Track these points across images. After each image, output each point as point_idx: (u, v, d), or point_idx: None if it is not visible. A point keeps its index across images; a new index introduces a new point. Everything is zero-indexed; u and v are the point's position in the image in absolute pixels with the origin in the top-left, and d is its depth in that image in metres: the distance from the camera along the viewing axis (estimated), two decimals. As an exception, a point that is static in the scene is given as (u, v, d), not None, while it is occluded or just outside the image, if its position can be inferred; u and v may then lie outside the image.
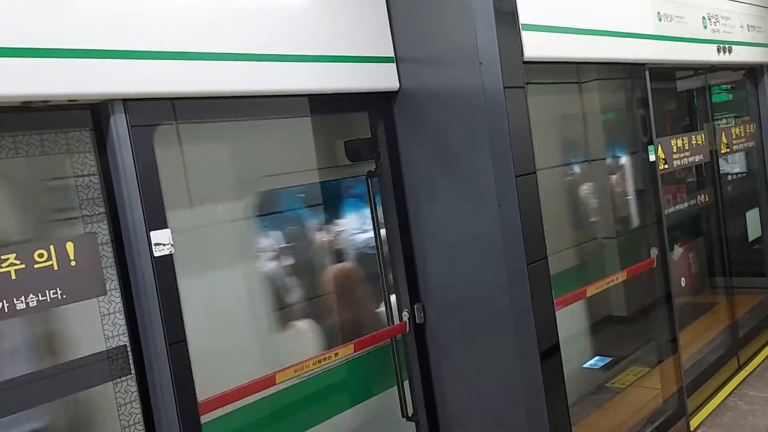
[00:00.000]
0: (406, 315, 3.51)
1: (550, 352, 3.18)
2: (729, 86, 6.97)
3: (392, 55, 3.42)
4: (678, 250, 5.96)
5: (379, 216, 3.64)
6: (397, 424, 3.64)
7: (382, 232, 3.63)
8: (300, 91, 3.06)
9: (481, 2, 3.06)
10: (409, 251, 3.51)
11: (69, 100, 2.37)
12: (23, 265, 2.27)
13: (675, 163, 4.70)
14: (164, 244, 2.54)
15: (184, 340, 2.58)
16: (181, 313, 2.57)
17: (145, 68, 2.48)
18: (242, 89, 2.81)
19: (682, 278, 5.71)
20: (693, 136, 4.97)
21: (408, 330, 3.51)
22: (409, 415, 3.65)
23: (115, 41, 2.40)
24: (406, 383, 3.64)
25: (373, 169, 3.62)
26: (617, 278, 4.06)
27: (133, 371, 2.57)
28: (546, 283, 3.21)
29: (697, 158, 5.04)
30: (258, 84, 2.86)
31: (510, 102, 3.08)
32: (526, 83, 3.22)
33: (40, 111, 2.37)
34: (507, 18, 3.14)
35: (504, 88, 3.06)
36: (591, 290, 3.82)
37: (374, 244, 3.65)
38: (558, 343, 3.23)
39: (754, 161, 6.31)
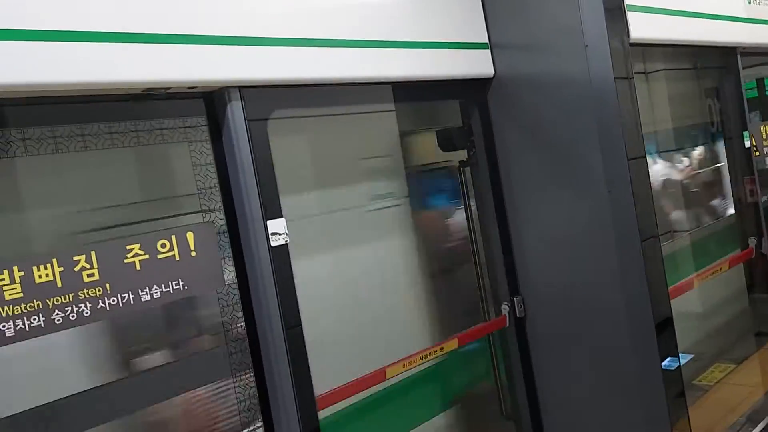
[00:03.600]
0: (505, 308, 3.40)
1: (668, 342, 3.05)
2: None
3: (486, 41, 3.33)
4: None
5: (471, 207, 3.55)
6: (495, 424, 3.54)
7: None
8: (400, 78, 2.99)
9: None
10: (507, 242, 3.41)
11: (189, 88, 2.33)
12: (147, 256, 2.22)
13: (766, 150, 4.53)
14: (280, 234, 2.49)
15: (301, 331, 2.51)
16: (297, 303, 2.51)
17: (262, 55, 2.43)
18: (348, 76, 2.75)
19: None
20: None
21: (508, 324, 3.41)
22: (508, 413, 3.54)
23: (232, 28, 2.35)
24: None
25: (465, 159, 3.54)
26: (720, 268, 3.90)
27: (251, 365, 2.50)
28: (660, 270, 3.08)
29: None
30: (363, 70, 2.80)
31: (619, 84, 2.97)
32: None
33: (155, 99, 2.33)
34: (612, -3, 3.03)
35: (613, 69, 2.95)
36: (697, 281, 3.67)
37: (468, 236, 3.56)
38: (674, 332, 3.10)
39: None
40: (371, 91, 2.99)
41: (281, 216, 2.49)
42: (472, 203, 3.55)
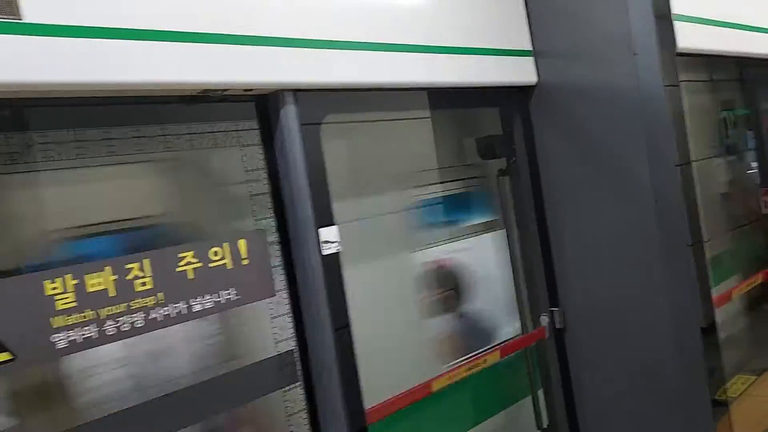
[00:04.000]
0: (544, 320, 3.33)
1: (714, 355, 2.99)
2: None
3: (530, 48, 3.27)
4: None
5: (509, 216, 3.48)
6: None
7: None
8: (446, 84, 2.92)
9: (637, -11, 2.91)
10: (548, 252, 3.34)
11: (244, 90, 2.25)
12: (200, 264, 2.14)
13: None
14: (332, 242, 2.41)
15: (352, 344, 2.43)
16: (347, 314, 2.43)
17: (316, 58, 2.36)
18: (398, 81, 2.69)
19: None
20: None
21: (547, 335, 3.33)
22: (545, 426, 3.46)
23: (289, 29, 2.28)
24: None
25: (504, 168, 3.47)
26: (756, 280, 3.85)
27: (300, 377, 2.41)
28: (706, 278, 3.02)
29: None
30: (414, 75, 2.73)
31: (668, 92, 2.92)
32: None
33: (206, 102, 2.25)
34: (661, 6, 2.98)
35: (662, 78, 2.90)
36: (736, 292, 3.62)
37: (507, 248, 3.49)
38: (719, 346, 3.04)
39: None
40: (418, 97, 2.91)
41: (333, 223, 2.41)
42: (510, 212, 3.47)
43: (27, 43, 1.71)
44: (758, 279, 3.90)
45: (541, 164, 3.34)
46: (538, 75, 3.27)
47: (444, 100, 3.07)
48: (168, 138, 2.18)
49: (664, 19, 2.98)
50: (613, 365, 3.24)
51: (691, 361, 2.96)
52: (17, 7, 1.70)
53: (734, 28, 3.57)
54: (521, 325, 3.47)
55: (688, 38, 3.11)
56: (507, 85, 3.21)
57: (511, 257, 3.48)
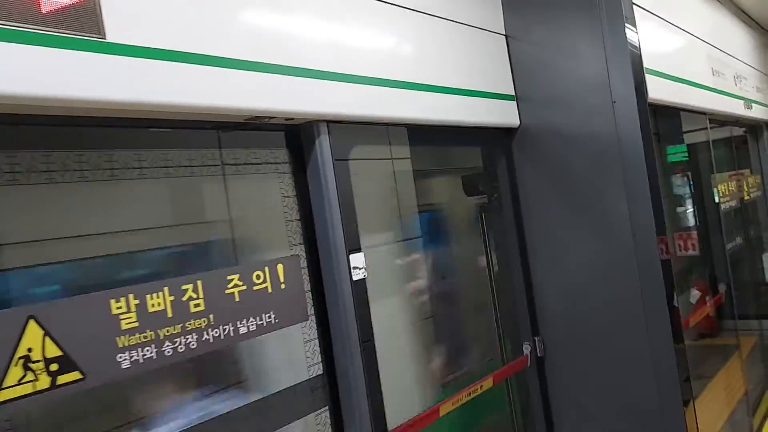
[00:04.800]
0: (527, 348, 3.50)
1: (685, 375, 3.25)
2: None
3: (513, 93, 3.51)
4: (695, 294, 6.20)
5: (490, 249, 3.67)
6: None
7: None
8: (444, 122, 3.08)
9: (614, 45, 3.21)
10: (529, 284, 3.54)
11: (286, 119, 2.33)
12: (245, 287, 2.17)
13: (722, 206, 4.96)
14: (360, 268, 2.49)
15: (377, 369, 2.50)
16: (373, 338, 2.50)
17: (347, 91, 2.46)
18: (412, 117, 2.83)
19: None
20: (730, 183, 5.27)
21: (529, 364, 3.50)
22: (523, 453, 3.61)
23: (327, 63, 2.38)
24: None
25: (484, 204, 3.66)
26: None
27: (329, 401, 2.45)
28: (675, 307, 3.29)
29: (734, 203, 5.33)
30: (424, 113, 2.88)
31: (645, 136, 3.21)
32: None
33: (239, 130, 2.31)
34: (636, 60, 3.30)
35: (639, 120, 3.19)
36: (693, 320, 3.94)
37: (487, 279, 3.66)
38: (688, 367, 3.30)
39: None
40: (421, 132, 3.07)
41: (360, 250, 2.50)
42: (491, 246, 3.65)
43: (108, 62, 1.73)
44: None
45: (522, 200, 3.56)
46: (520, 118, 3.51)
47: (435, 137, 3.24)
48: (217, 163, 2.22)
49: (638, 71, 3.29)
50: (591, 390, 3.44)
51: (665, 373, 3.19)
52: (102, 27, 1.73)
53: (680, 82, 3.97)
54: (501, 355, 3.63)
55: (655, 91, 3.44)
56: (494, 126, 3.42)
57: (491, 289, 3.65)
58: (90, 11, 1.67)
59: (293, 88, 2.25)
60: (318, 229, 2.45)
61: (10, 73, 1.53)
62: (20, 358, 1.60)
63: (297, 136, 2.46)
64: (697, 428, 3.41)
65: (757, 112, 6.02)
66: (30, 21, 1.57)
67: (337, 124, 2.47)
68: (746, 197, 5.95)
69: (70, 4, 1.63)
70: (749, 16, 6.19)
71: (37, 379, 1.62)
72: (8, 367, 1.57)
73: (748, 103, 5.72)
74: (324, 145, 2.42)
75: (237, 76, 2.05)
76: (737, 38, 5.86)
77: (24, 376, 1.60)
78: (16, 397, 1.57)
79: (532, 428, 3.56)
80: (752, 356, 6.00)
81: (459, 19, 3.18)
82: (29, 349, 1.61)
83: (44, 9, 1.58)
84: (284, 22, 2.25)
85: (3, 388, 1.55)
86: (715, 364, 5.20)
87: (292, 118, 2.34)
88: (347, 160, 2.51)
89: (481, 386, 3.14)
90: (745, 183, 5.92)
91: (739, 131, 6.70)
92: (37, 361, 1.63)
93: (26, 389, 1.60)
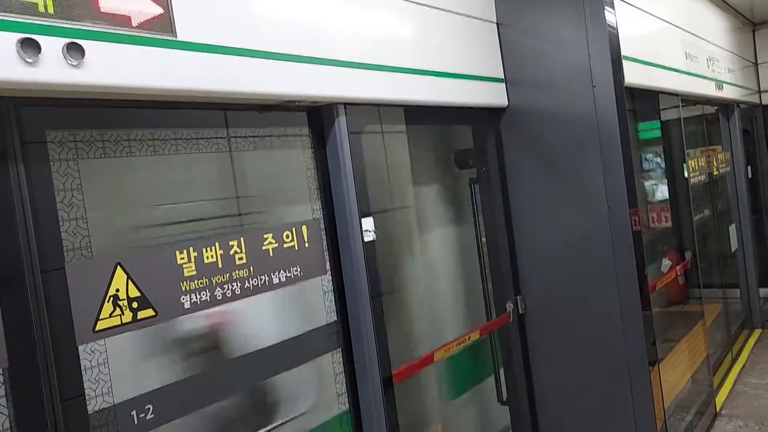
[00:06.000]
0: (510, 306, 3.94)
1: (650, 328, 3.71)
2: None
3: (502, 76, 3.90)
4: (666, 263, 6.70)
5: (479, 218, 4.08)
6: (493, 409, 4.05)
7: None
8: (441, 103, 3.45)
9: (596, 34, 3.60)
10: (513, 249, 3.96)
11: (311, 102, 2.70)
12: (277, 244, 2.57)
13: (692, 180, 5.41)
14: (370, 231, 2.89)
15: (383, 312, 2.93)
16: (382, 293, 2.91)
17: (363, 77, 2.84)
18: (418, 99, 3.21)
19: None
20: (700, 159, 5.72)
21: (511, 320, 3.94)
22: (504, 400, 4.06)
23: (343, 53, 2.75)
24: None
25: (475, 177, 4.06)
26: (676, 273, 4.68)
27: (341, 344, 2.87)
28: (644, 266, 3.73)
29: (703, 178, 5.79)
30: (429, 95, 3.26)
31: (620, 118, 3.61)
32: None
33: (270, 111, 2.68)
34: (614, 47, 3.68)
35: (616, 103, 3.59)
36: (659, 284, 4.40)
37: (476, 244, 4.08)
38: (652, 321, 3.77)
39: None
40: (420, 112, 3.45)
41: (371, 215, 2.90)
42: (479, 215, 4.07)
43: (178, 57, 2.10)
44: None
45: (508, 174, 3.96)
46: (509, 99, 3.90)
47: (429, 116, 3.62)
48: (255, 139, 2.61)
49: (616, 58, 3.68)
50: (566, 345, 3.89)
51: (633, 334, 3.65)
52: (174, 28, 2.09)
53: (655, 67, 4.38)
54: (486, 312, 4.07)
55: (631, 76, 3.84)
56: (484, 106, 3.81)
57: (479, 254, 4.07)
58: (165, 17, 2.04)
59: (320, 75, 2.62)
60: (335, 195, 2.85)
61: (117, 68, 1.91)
62: (111, 296, 1.99)
63: (318, 116, 2.83)
64: (661, 386, 3.88)
65: (727, 92, 6.45)
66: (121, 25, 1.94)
67: (353, 106, 2.84)
68: (716, 173, 6.41)
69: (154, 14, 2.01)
70: (723, 0, 6.58)
71: (123, 314, 2.02)
72: (103, 303, 1.96)
73: (720, 83, 6.14)
74: (342, 124, 2.80)
75: (276, 66, 2.43)
76: (711, 22, 6.26)
77: (114, 311, 1.99)
78: (109, 327, 1.97)
79: (513, 380, 4.02)
80: (716, 322, 6.54)
81: (455, 9, 3.54)
82: (117, 290, 2.01)
83: (134, 22, 1.95)
84: (308, 17, 2.60)
85: (100, 319, 1.95)
86: (681, 329, 5.70)
87: (317, 102, 2.71)
88: (360, 132, 2.89)
89: (469, 337, 3.58)
90: (714, 159, 6.38)
91: (711, 109, 7.16)
92: (123, 299, 2.02)
93: (115, 321, 2.00)
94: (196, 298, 2.25)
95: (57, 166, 2.00)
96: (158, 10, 2.03)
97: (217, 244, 2.34)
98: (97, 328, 1.96)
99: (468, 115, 3.84)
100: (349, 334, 2.89)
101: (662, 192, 5.47)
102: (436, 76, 3.34)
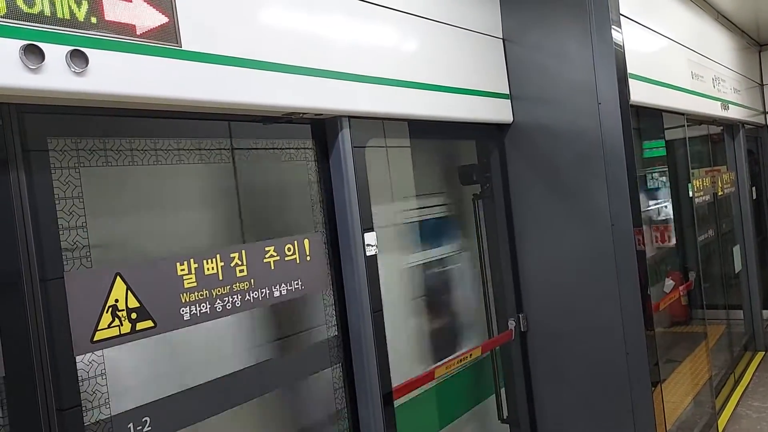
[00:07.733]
0: (512, 323, 3.91)
1: (653, 348, 3.67)
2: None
3: (507, 92, 3.89)
4: (669, 283, 6.66)
5: (482, 233, 4.06)
6: (493, 427, 4.01)
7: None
8: (446, 118, 3.45)
9: (602, 51, 3.59)
10: (516, 266, 3.94)
11: (315, 114, 2.69)
12: (278, 257, 2.55)
13: (696, 200, 5.39)
14: (372, 245, 2.87)
15: (384, 327, 2.90)
16: (381, 302, 2.89)
17: (366, 91, 2.83)
18: (424, 114, 3.20)
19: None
20: (705, 179, 5.70)
21: (513, 337, 3.91)
22: (505, 418, 4.02)
23: (347, 66, 2.75)
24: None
25: (478, 192, 4.05)
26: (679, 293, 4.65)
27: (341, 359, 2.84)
28: (647, 287, 3.70)
29: (708, 198, 5.77)
30: (429, 110, 3.25)
31: (626, 135, 3.60)
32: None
33: (272, 123, 2.67)
34: (620, 65, 3.68)
35: (621, 121, 3.58)
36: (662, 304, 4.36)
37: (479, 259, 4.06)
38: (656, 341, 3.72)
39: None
40: (424, 126, 3.44)
41: (373, 230, 2.88)
42: (482, 230, 4.05)
43: (182, 66, 2.09)
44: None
45: (512, 190, 3.95)
46: (514, 115, 3.89)
47: (433, 131, 3.61)
48: (257, 151, 2.59)
49: (622, 76, 3.68)
50: (568, 364, 3.85)
51: (636, 354, 3.61)
52: (179, 37, 2.08)
53: (662, 86, 4.37)
54: (488, 328, 4.03)
55: (637, 94, 3.83)
56: (489, 122, 3.80)
57: (482, 271, 4.05)
58: (170, 26, 2.03)
59: (325, 88, 2.61)
60: (337, 209, 2.83)
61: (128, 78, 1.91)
62: (110, 306, 1.97)
63: (322, 129, 2.82)
64: (663, 407, 3.84)
65: (733, 113, 6.44)
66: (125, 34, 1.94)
67: (356, 119, 2.83)
68: (720, 193, 6.39)
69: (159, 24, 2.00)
70: (729, 21, 6.59)
71: (122, 325, 2.00)
72: (102, 313, 1.94)
73: (725, 104, 6.13)
74: (346, 136, 2.79)
75: (280, 78, 2.42)
76: (717, 42, 6.27)
77: (112, 321, 1.97)
78: (108, 338, 1.95)
79: (514, 397, 3.98)
80: (719, 344, 6.50)
81: (462, 24, 3.54)
82: (116, 300, 1.99)
83: (139, 31, 1.94)
84: (313, 30, 2.60)
85: (99, 329, 1.93)
86: (684, 350, 5.66)
87: (321, 114, 2.70)
88: (364, 147, 2.88)
89: (471, 354, 3.55)
90: (719, 179, 6.36)
91: (716, 129, 7.15)
92: (122, 310, 2.00)
93: (114, 332, 1.98)
94: (196, 310, 2.23)
95: (58, 174, 1.99)
96: (163, 19, 2.02)
97: (218, 256, 2.32)
98: (95, 339, 1.94)
99: (472, 131, 3.83)
100: (349, 348, 2.86)
101: (666, 211, 5.45)
102: (441, 90, 3.33)
